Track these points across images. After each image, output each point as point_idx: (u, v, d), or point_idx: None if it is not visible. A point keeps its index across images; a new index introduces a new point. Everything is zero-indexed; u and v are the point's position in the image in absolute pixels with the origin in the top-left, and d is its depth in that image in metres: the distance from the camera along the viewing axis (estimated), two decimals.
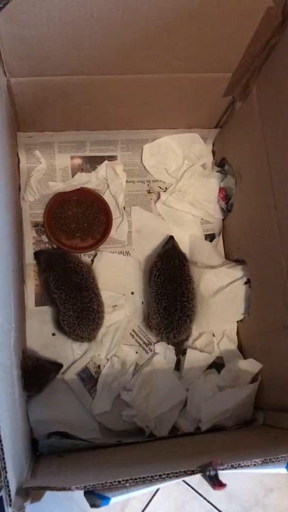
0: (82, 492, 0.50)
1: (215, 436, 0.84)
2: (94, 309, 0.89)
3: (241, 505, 0.98)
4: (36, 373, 0.82)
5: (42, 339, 0.93)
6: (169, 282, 0.91)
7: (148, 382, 0.91)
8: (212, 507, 0.97)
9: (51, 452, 0.79)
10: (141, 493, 0.49)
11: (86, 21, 0.67)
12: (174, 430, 0.89)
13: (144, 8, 0.66)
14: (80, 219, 0.99)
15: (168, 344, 0.94)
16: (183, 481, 0.98)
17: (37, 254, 0.96)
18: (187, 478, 0.95)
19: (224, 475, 0.49)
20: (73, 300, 0.87)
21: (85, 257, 0.99)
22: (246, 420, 0.87)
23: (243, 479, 0.99)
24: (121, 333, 0.94)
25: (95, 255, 0.99)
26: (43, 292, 0.94)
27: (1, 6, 0.61)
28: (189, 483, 0.98)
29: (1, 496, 0.53)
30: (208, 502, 0.97)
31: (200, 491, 0.97)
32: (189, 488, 0.98)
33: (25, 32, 0.68)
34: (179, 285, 0.91)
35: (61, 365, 0.89)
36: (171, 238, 0.98)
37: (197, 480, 0.97)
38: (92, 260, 0.98)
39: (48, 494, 0.53)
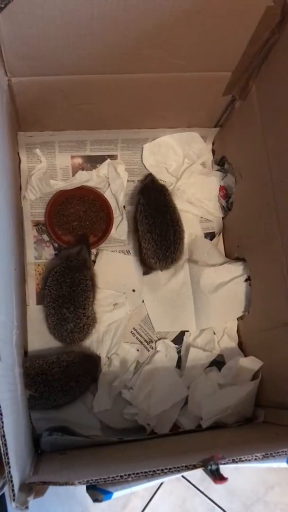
0: (83, 490, 0.50)
1: (216, 433, 0.84)
2: (69, 329, 0.88)
3: (242, 502, 0.98)
4: (86, 363, 0.86)
5: (43, 338, 0.93)
6: (157, 212, 0.94)
7: (149, 380, 0.91)
8: (214, 504, 0.97)
9: (53, 450, 0.79)
10: (143, 488, 0.50)
11: (87, 20, 0.67)
12: (175, 427, 0.90)
13: (144, 8, 0.67)
14: (82, 216, 1.00)
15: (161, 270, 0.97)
16: (185, 478, 0.98)
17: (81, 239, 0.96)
18: (188, 475, 0.95)
19: (225, 472, 0.49)
20: (52, 311, 0.87)
21: None
22: (246, 417, 0.88)
23: (244, 476, 0.99)
24: (122, 331, 0.95)
25: (96, 254, 0.99)
26: (42, 281, 0.94)
27: (2, 6, 0.62)
28: (191, 480, 0.98)
29: (5, 491, 0.53)
30: (209, 499, 0.98)
31: (201, 488, 0.98)
32: (190, 485, 0.98)
33: (26, 32, 0.68)
34: (166, 213, 0.94)
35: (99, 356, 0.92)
36: (149, 175, 1.02)
37: (198, 477, 0.98)
38: (94, 261, 0.99)
39: (50, 492, 0.53)
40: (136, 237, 0.99)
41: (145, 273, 0.99)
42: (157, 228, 0.93)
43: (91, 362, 0.89)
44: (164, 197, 0.96)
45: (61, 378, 0.82)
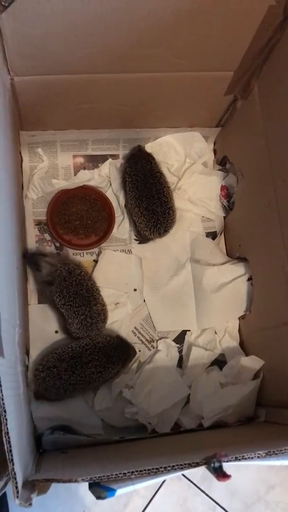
0: (84, 489, 0.50)
1: (218, 432, 0.84)
2: (100, 322, 0.90)
3: (243, 501, 0.98)
4: (121, 347, 0.89)
5: (44, 336, 0.93)
6: (143, 184, 0.95)
7: (150, 379, 0.91)
8: (215, 504, 0.97)
9: (55, 449, 0.79)
10: (145, 486, 0.50)
11: (89, 20, 0.68)
12: (176, 427, 0.90)
13: (147, 7, 0.67)
14: (84, 216, 1.00)
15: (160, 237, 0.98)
16: (186, 477, 0.98)
17: (34, 258, 0.90)
18: (189, 475, 0.95)
19: (227, 470, 0.49)
20: (82, 317, 0.88)
21: (88, 255, 1.00)
22: (248, 416, 0.88)
23: (245, 476, 0.99)
24: (124, 331, 0.95)
25: (98, 253, 0.99)
26: (49, 303, 0.94)
27: (6, 5, 0.62)
28: (192, 480, 0.98)
29: (7, 491, 0.53)
30: (210, 498, 0.98)
31: (202, 488, 0.98)
32: (191, 484, 0.98)
33: (29, 31, 0.69)
34: (152, 184, 0.95)
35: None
36: (137, 146, 1.01)
37: (199, 476, 0.98)
38: (95, 260, 0.99)
39: (51, 490, 0.53)
40: (128, 209, 1.01)
41: (141, 242, 1.01)
42: (143, 202, 0.94)
43: (125, 346, 0.90)
44: (150, 165, 0.97)
45: (95, 359, 0.84)
